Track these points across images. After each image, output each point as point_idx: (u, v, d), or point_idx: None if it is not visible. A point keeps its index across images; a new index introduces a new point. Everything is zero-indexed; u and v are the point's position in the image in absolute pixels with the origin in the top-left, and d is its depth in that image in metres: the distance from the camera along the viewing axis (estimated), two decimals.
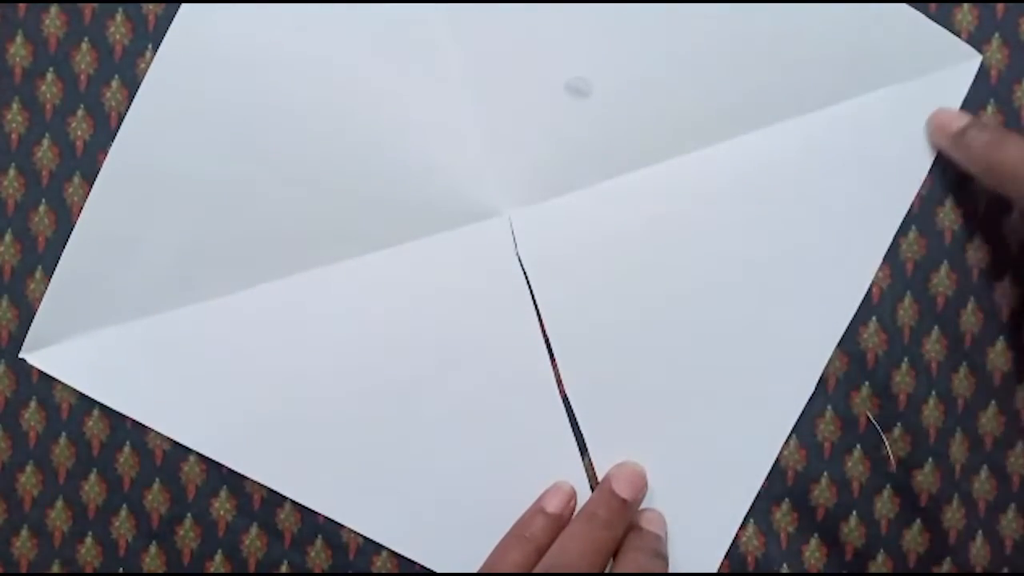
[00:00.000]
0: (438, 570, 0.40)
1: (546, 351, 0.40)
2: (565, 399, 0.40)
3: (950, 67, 0.40)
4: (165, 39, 0.39)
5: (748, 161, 0.40)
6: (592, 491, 0.40)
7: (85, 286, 0.40)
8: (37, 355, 0.40)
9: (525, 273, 0.40)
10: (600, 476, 0.40)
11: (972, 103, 0.40)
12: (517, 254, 0.40)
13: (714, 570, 0.40)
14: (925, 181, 0.40)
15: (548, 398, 0.40)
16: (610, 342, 0.40)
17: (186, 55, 0.39)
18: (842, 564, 0.40)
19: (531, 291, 0.40)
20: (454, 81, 0.40)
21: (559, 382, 0.40)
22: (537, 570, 0.37)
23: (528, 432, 0.40)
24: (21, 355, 0.40)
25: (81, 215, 0.40)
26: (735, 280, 0.40)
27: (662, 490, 0.40)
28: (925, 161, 0.40)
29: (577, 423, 0.40)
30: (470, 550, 0.39)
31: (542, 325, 0.40)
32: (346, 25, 0.39)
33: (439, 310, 0.40)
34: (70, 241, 0.40)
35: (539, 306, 0.40)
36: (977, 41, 0.40)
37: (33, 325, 0.40)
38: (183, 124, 0.39)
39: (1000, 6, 0.40)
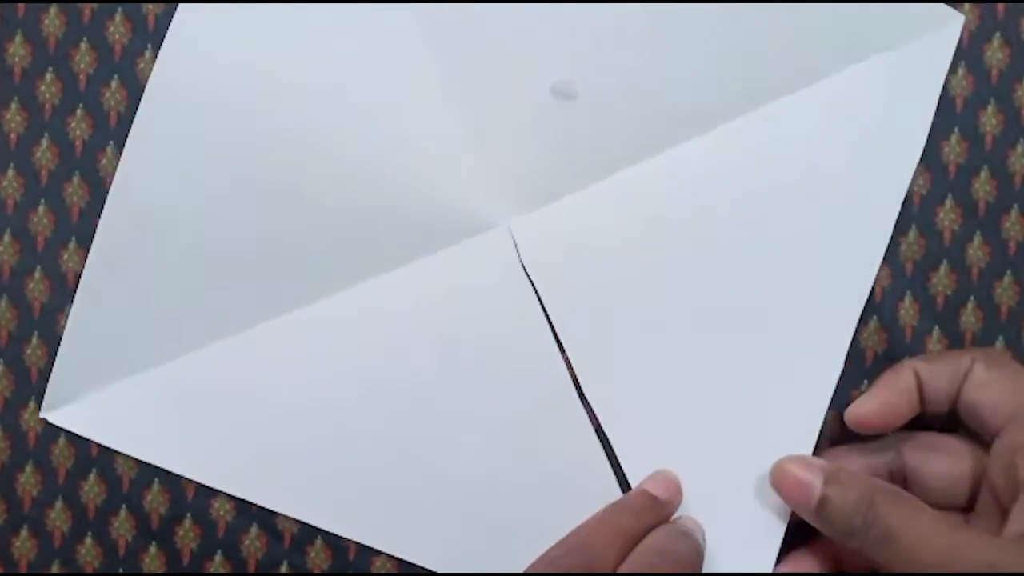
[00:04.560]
0: None
1: (561, 357, 0.40)
2: (587, 406, 0.39)
3: (932, 31, 0.40)
4: (151, 77, 0.39)
5: (742, 146, 0.39)
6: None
7: (97, 340, 0.39)
8: (58, 413, 0.40)
9: (531, 281, 0.40)
10: (632, 480, 0.39)
11: (973, 104, 0.40)
12: (521, 263, 0.40)
13: (770, 570, 0.38)
14: (924, 181, 0.40)
15: (569, 405, 0.39)
16: (625, 342, 0.39)
17: (172, 95, 0.39)
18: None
19: (539, 298, 0.40)
20: (438, 96, 0.40)
21: (578, 388, 0.40)
22: (556, 551, 0.36)
23: (554, 444, 0.39)
24: (42, 415, 0.40)
25: (85, 269, 0.40)
26: (744, 266, 0.39)
27: (699, 491, 0.38)
28: (921, 130, 0.40)
29: (602, 429, 0.39)
30: (499, 565, 0.38)
31: (554, 331, 0.40)
32: (327, 49, 0.39)
33: (450, 327, 0.39)
34: (77, 296, 0.39)
35: (549, 312, 0.40)
36: (977, 41, 0.40)
37: (50, 384, 0.40)
38: (176, 166, 0.39)
39: (1000, 6, 0.40)
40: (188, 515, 0.40)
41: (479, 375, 0.40)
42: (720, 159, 0.40)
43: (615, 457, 0.39)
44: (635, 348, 0.40)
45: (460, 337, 0.40)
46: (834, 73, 0.40)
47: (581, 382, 0.40)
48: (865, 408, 0.37)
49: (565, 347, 0.40)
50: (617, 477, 0.39)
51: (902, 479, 0.37)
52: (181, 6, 0.39)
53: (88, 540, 0.41)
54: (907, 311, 0.41)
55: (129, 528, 0.41)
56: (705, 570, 0.38)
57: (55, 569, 0.41)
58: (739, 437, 0.39)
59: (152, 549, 0.41)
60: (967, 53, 0.40)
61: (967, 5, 0.40)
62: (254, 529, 0.40)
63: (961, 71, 0.41)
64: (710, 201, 0.40)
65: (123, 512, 0.41)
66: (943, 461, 0.36)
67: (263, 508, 0.40)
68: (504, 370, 0.40)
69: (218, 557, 0.41)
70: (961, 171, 0.41)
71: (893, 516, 0.33)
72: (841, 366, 0.39)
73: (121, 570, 0.41)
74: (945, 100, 0.40)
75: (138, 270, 0.40)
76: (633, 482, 0.39)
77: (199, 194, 0.39)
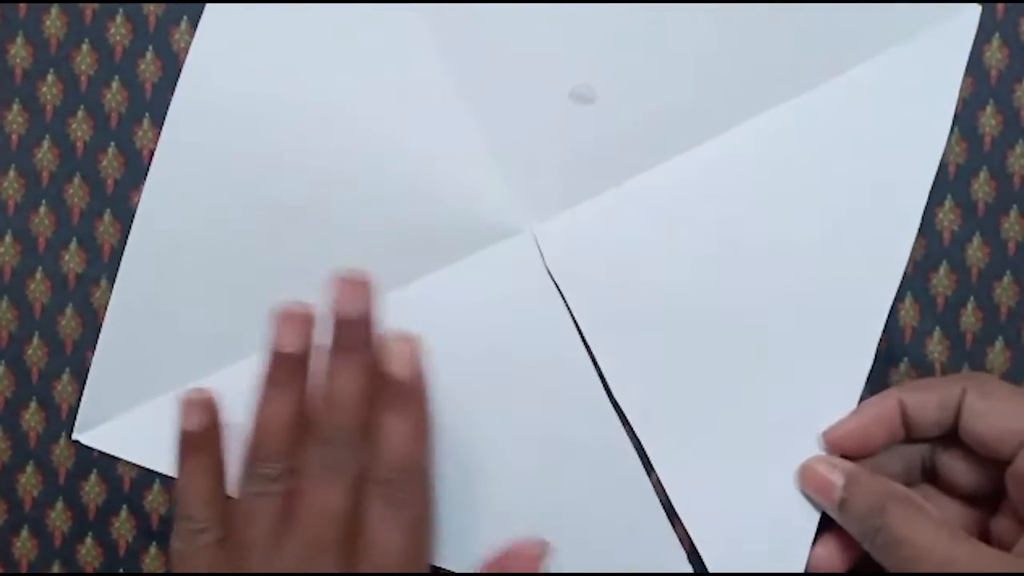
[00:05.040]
0: None
1: (590, 360, 0.39)
2: (618, 409, 0.39)
3: (948, 22, 0.40)
4: (171, 108, 0.39)
5: (763, 143, 0.39)
6: (663, 505, 0.39)
7: (127, 362, 0.39)
8: (90, 435, 0.40)
9: (557, 285, 0.40)
10: (663, 478, 0.39)
11: (973, 104, 0.40)
12: (546, 267, 0.40)
13: (801, 570, 0.38)
14: None
15: (598, 408, 0.39)
16: (653, 343, 0.39)
17: (191, 123, 0.39)
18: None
19: (565, 302, 0.40)
20: (456, 104, 0.39)
21: (608, 392, 0.39)
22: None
23: (585, 447, 0.39)
24: (74, 437, 0.40)
25: (113, 293, 0.40)
26: (768, 264, 0.39)
27: (732, 486, 0.38)
28: (943, 122, 0.39)
29: (635, 432, 0.39)
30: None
31: (582, 336, 0.39)
32: (345, 66, 0.39)
33: (476, 334, 0.39)
34: (106, 320, 0.39)
35: (575, 315, 0.40)
36: (977, 41, 0.40)
37: (82, 405, 0.40)
38: (198, 189, 0.39)
39: (1000, 6, 0.41)
40: None
41: (507, 380, 0.39)
42: (741, 158, 0.39)
43: (646, 455, 0.39)
44: (663, 348, 0.39)
45: (487, 343, 0.39)
46: (851, 69, 0.39)
47: (610, 384, 0.39)
48: (841, 430, 0.38)
49: (593, 350, 0.39)
50: (648, 475, 0.39)
51: (932, 468, 0.38)
52: (200, 32, 0.39)
53: (88, 540, 0.41)
54: (907, 311, 0.41)
55: (129, 528, 0.41)
56: (741, 559, 0.38)
57: (55, 569, 0.41)
58: (769, 434, 0.39)
59: (152, 549, 0.41)
60: None
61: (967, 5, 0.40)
62: None
63: None
64: (733, 200, 0.39)
65: (123, 512, 0.41)
66: (967, 464, 0.37)
67: None
68: (532, 374, 0.39)
69: None
70: (960, 171, 0.41)
71: (900, 524, 0.34)
72: (870, 364, 0.39)
73: (121, 570, 0.41)
74: None
75: (164, 293, 0.39)
76: (664, 481, 0.39)
77: (223, 216, 0.39)
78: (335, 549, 0.32)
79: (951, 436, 0.37)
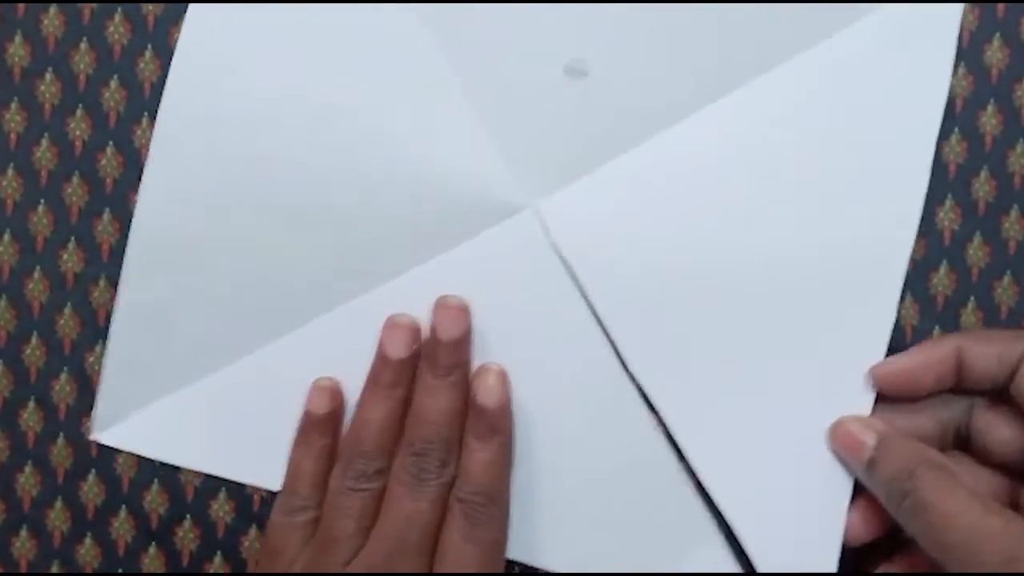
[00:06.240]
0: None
1: (603, 335, 0.39)
2: (635, 381, 0.39)
3: (928, 18, 0.39)
4: (162, 103, 0.39)
5: (764, 104, 0.39)
6: (687, 471, 0.39)
7: (138, 361, 0.39)
8: (107, 434, 0.39)
9: (564, 260, 0.40)
10: (688, 454, 0.38)
11: (973, 104, 0.40)
12: (552, 243, 0.40)
13: (834, 569, 0.37)
14: None
15: (616, 382, 0.39)
16: (666, 315, 0.39)
17: (186, 116, 0.39)
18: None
19: (574, 278, 0.39)
20: (452, 85, 0.39)
21: (625, 366, 0.39)
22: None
23: (605, 424, 0.39)
24: (92, 437, 0.39)
25: (117, 295, 0.39)
26: (775, 230, 0.39)
27: (756, 461, 0.38)
28: (940, 87, 0.38)
29: (653, 406, 0.39)
30: (558, 544, 0.39)
31: (593, 311, 0.39)
32: (336, 49, 0.39)
33: (485, 316, 0.39)
34: (114, 320, 0.39)
35: (586, 292, 0.39)
36: (977, 41, 0.40)
37: (97, 406, 0.39)
38: (196, 184, 0.39)
39: (1000, 6, 0.40)
40: (188, 516, 0.40)
41: (519, 359, 0.39)
42: (737, 124, 0.39)
43: (668, 430, 0.39)
44: (677, 320, 0.39)
45: (496, 323, 0.39)
46: (842, 29, 0.39)
47: (625, 358, 0.39)
48: (891, 367, 0.37)
49: (605, 324, 0.39)
50: (673, 450, 0.39)
51: (967, 436, 0.37)
52: (186, 26, 0.39)
53: (88, 540, 0.41)
54: (907, 311, 0.41)
55: (129, 528, 0.41)
56: (768, 554, 0.37)
57: (55, 569, 0.41)
58: (790, 405, 0.38)
59: (152, 550, 0.41)
60: (967, 53, 0.40)
61: (966, 5, 0.40)
62: (253, 530, 0.40)
63: (961, 71, 0.41)
64: (733, 166, 0.39)
65: (123, 512, 0.41)
66: (1007, 430, 0.36)
67: (262, 509, 0.40)
68: (544, 351, 0.39)
69: (218, 558, 0.41)
70: (961, 171, 0.41)
71: (929, 489, 0.33)
72: (889, 335, 0.38)
73: (121, 570, 0.41)
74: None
75: (171, 289, 0.39)
76: (689, 456, 0.38)
77: (220, 213, 0.39)
78: (414, 553, 0.35)
79: (997, 395, 0.36)
